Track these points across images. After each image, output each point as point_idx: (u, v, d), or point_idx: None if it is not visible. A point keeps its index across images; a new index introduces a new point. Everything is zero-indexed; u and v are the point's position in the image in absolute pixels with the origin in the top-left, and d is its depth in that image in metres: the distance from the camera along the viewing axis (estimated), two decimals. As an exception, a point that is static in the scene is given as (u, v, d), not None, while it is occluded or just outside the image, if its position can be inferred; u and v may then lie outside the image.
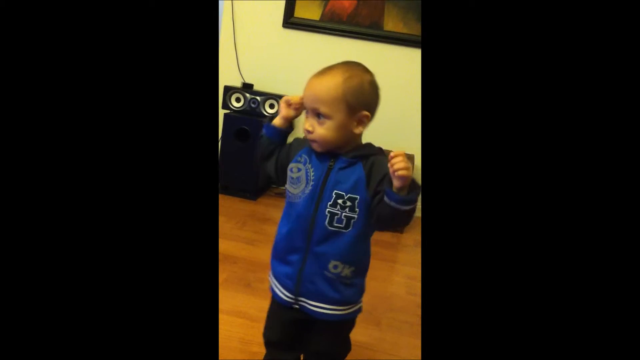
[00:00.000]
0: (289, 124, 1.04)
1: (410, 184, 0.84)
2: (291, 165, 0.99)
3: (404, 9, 2.59)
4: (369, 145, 0.98)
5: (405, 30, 2.61)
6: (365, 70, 0.95)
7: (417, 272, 2.05)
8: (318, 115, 0.91)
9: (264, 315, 1.12)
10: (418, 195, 0.85)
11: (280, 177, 1.03)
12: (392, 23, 2.62)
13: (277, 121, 1.03)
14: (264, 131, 1.05)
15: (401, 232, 2.42)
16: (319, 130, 0.92)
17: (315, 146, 0.95)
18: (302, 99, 0.97)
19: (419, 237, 2.45)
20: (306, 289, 0.98)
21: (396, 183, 0.83)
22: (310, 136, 0.93)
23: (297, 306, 1.01)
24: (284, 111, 1.01)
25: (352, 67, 0.94)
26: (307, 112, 0.95)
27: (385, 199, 0.86)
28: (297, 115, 1.02)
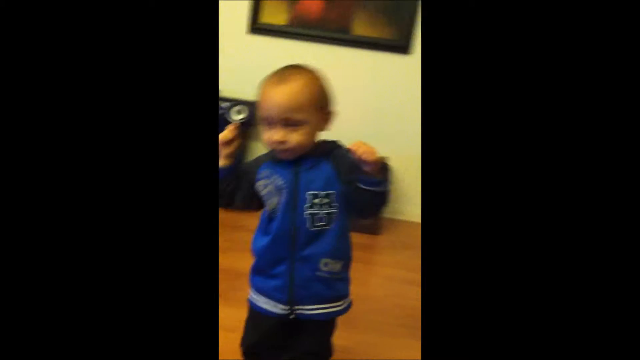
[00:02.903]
0: (234, 158, 0.98)
1: (380, 165, 0.85)
2: (257, 184, 0.97)
3: (373, 12, 2.60)
4: (325, 141, 0.98)
5: (374, 34, 2.62)
6: (315, 70, 0.96)
7: (394, 273, 2.03)
8: (289, 124, 0.89)
9: (238, 325, 1.08)
10: (389, 172, 0.86)
11: (253, 205, 1.01)
12: (361, 27, 2.62)
13: (222, 162, 0.96)
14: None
15: (377, 233, 2.40)
16: (294, 138, 0.89)
17: (287, 155, 0.92)
18: (235, 129, 0.93)
19: (395, 239, 2.44)
20: (301, 295, 0.96)
21: (367, 168, 0.84)
22: (282, 147, 0.90)
23: (293, 316, 0.98)
24: (225, 150, 0.95)
25: (305, 70, 0.94)
26: (267, 124, 0.91)
27: (360, 185, 0.87)
28: (237, 148, 0.97)
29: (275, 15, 2.67)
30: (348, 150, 0.85)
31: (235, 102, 2.54)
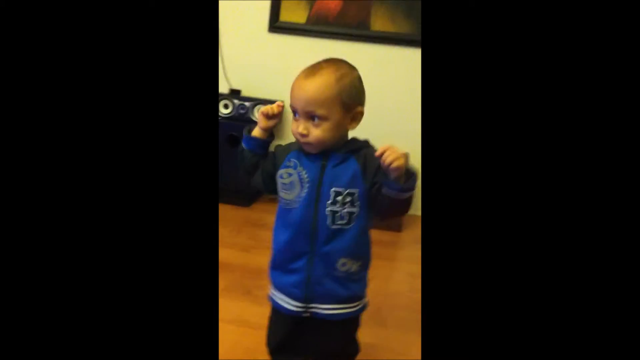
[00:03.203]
0: (269, 134, 1.00)
1: (406, 171, 0.84)
2: (280, 171, 0.97)
3: (391, 7, 2.58)
4: (356, 139, 0.98)
5: (393, 29, 2.60)
6: (351, 66, 0.95)
7: (418, 269, 2.02)
8: (312, 117, 0.89)
9: (265, 322, 1.10)
10: (416, 180, 0.85)
11: (270, 187, 1.01)
12: (379, 22, 2.61)
13: (256, 132, 1.00)
14: (243, 145, 1.01)
15: (399, 230, 2.40)
16: (315, 132, 0.90)
17: (309, 148, 0.93)
18: (279, 107, 0.95)
19: (417, 235, 2.43)
20: (316, 293, 0.96)
21: (392, 174, 0.83)
22: (305, 139, 0.91)
23: (307, 314, 0.98)
24: (263, 122, 0.98)
25: (340, 64, 0.93)
26: (295, 115, 0.92)
27: (384, 190, 0.86)
28: (276, 124, 0.99)
29: (295, 13, 2.68)
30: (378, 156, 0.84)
31: (258, 101, 2.56)
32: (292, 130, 0.93)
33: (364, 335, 1.16)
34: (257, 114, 1.00)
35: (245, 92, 2.69)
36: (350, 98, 0.91)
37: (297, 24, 2.68)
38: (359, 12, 2.62)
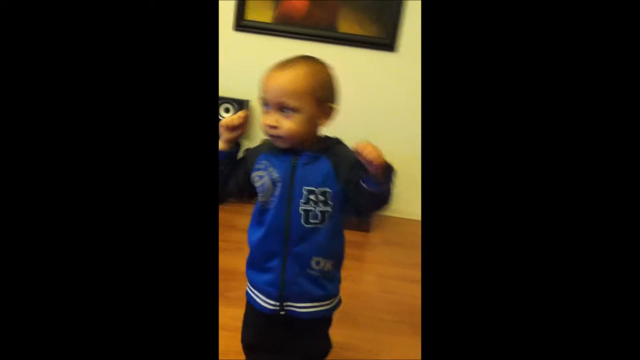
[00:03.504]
0: (234, 144, 0.97)
1: (384, 167, 0.84)
2: (252, 175, 0.95)
3: (358, 10, 2.60)
4: (327, 137, 0.97)
5: (360, 32, 2.62)
6: (326, 64, 0.94)
7: (387, 270, 2.05)
8: (283, 109, 0.88)
9: (238, 324, 1.08)
10: (394, 174, 0.86)
11: (246, 195, 0.99)
12: (347, 25, 2.63)
13: (221, 145, 0.95)
14: None
15: (368, 230, 2.42)
16: (286, 124, 0.88)
17: (280, 142, 0.91)
18: (242, 118, 0.92)
19: (386, 236, 2.46)
20: (291, 292, 0.95)
21: (372, 169, 0.83)
22: (274, 132, 0.89)
23: (282, 312, 0.98)
24: (225, 134, 0.94)
25: (314, 60, 0.93)
26: (265, 107, 0.91)
27: (364, 186, 0.86)
28: (241, 134, 0.95)
29: (260, 13, 2.65)
30: (352, 150, 0.84)
31: (224, 100, 2.52)
32: (262, 124, 0.91)
33: (337, 335, 1.16)
34: (219, 127, 0.93)
35: (210, 92, 2.64)
36: (323, 93, 0.90)
37: (263, 23, 2.66)
38: (326, 13, 2.63)
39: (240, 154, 1.00)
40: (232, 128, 0.93)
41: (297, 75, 0.88)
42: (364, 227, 2.38)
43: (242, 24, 2.67)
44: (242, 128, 0.94)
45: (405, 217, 2.66)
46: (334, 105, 0.93)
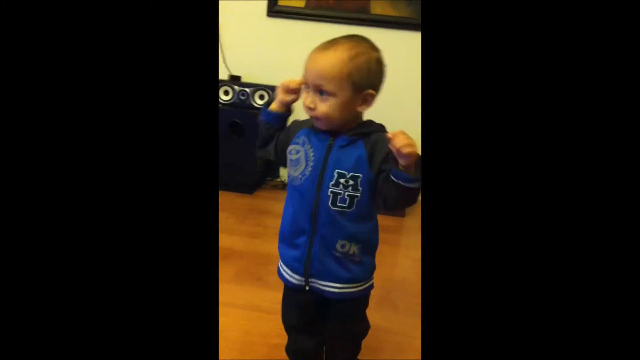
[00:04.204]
0: (287, 108, 1.00)
1: (416, 160, 0.81)
2: (290, 147, 0.96)
3: (391, -9, 2.56)
4: (371, 122, 0.95)
5: (393, 13, 2.58)
6: (372, 46, 0.91)
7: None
8: (320, 91, 0.87)
9: (278, 307, 1.10)
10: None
11: (280, 159, 1.01)
12: (379, 7, 2.59)
13: (274, 106, 0.99)
14: (260, 117, 1.01)
15: (402, 215, 2.41)
16: (321, 107, 0.88)
17: (318, 123, 0.91)
18: (300, 83, 0.93)
19: (420, 220, 2.44)
20: (316, 270, 0.97)
21: (402, 162, 0.81)
22: (311, 113, 0.90)
23: (307, 287, 0.99)
24: (281, 96, 0.97)
25: (359, 42, 0.89)
26: (307, 87, 0.90)
27: (392, 178, 0.84)
28: (295, 100, 0.97)
29: (293, -3, 2.64)
30: (389, 140, 0.81)
31: (259, 87, 2.53)
32: (303, 103, 0.92)
33: (376, 318, 1.16)
34: (278, 86, 0.97)
35: (245, 78, 2.66)
36: (361, 79, 0.87)
37: (296, 8, 2.65)
38: (359, -4, 2.59)
39: (289, 122, 1.02)
40: (289, 91, 0.95)
41: (335, 58, 0.86)
42: (398, 212, 2.37)
43: (275, 10, 2.67)
44: (297, 93, 0.95)
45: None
46: (373, 92, 0.90)
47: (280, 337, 1.16)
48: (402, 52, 2.61)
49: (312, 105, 0.89)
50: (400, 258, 2.01)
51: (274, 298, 1.21)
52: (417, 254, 2.05)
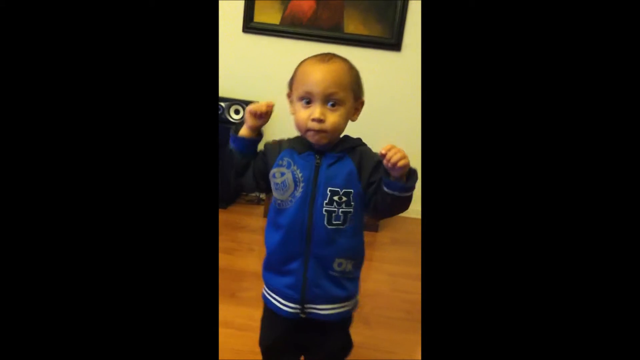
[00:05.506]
0: (257, 133, 0.97)
1: (408, 170, 0.84)
2: (273, 171, 0.94)
3: (364, 10, 2.62)
4: (349, 137, 0.96)
5: (366, 32, 2.64)
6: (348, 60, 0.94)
7: (396, 269, 2.07)
8: (329, 102, 0.87)
9: (252, 323, 1.09)
10: (416, 179, 0.85)
11: (262, 187, 0.98)
12: (352, 25, 2.65)
13: (244, 132, 0.95)
14: (231, 145, 0.97)
15: (376, 230, 2.43)
16: (331, 117, 0.87)
17: (319, 138, 0.89)
18: (269, 105, 0.91)
19: (394, 235, 2.48)
20: (313, 295, 0.94)
21: (395, 173, 0.83)
22: (320, 125, 0.87)
23: (303, 315, 0.96)
24: (250, 121, 0.93)
25: (343, 58, 0.92)
26: (303, 101, 0.89)
27: (385, 188, 0.85)
28: (264, 123, 0.95)
29: (269, 15, 2.68)
30: (375, 152, 0.83)
31: (234, 101, 2.54)
32: (301, 119, 0.89)
33: (351, 334, 1.17)
34: (245, 112, 0.94)
35: (220, 93, 2.66)
36: (358, 89, 0.92)
37: (271, 24, 2.68)
38: (332, 14, 2.65)
39: (260, 146, 0.99)
40: (258, 115, 0.92)
41: (341, 68, 0.88)
42: (371, 226, 2.40)
43: (250, 26, 2.69)
44: (267, 116, 0.92)
45: (413, 216, 2.67)
46: (364, 100, 0.94)
47: (254, 354, 1.15)
48: (376, 71, 2.67)
49: (322, 117, 0.87)
50: (372, 272, 2.03)
51: (248, 315, 1.20)
52: (390, 268, 2.07)
